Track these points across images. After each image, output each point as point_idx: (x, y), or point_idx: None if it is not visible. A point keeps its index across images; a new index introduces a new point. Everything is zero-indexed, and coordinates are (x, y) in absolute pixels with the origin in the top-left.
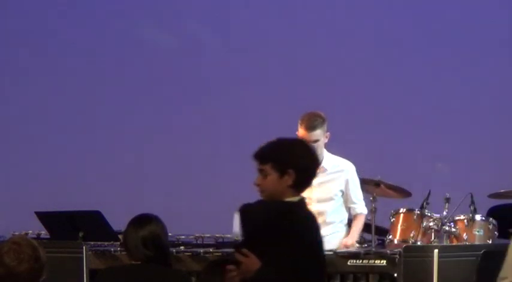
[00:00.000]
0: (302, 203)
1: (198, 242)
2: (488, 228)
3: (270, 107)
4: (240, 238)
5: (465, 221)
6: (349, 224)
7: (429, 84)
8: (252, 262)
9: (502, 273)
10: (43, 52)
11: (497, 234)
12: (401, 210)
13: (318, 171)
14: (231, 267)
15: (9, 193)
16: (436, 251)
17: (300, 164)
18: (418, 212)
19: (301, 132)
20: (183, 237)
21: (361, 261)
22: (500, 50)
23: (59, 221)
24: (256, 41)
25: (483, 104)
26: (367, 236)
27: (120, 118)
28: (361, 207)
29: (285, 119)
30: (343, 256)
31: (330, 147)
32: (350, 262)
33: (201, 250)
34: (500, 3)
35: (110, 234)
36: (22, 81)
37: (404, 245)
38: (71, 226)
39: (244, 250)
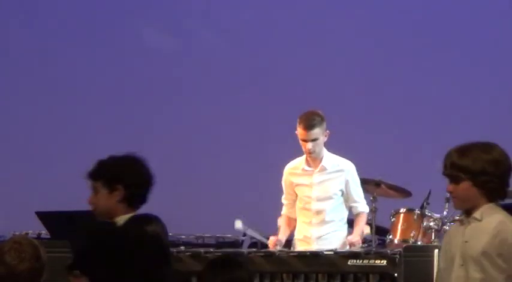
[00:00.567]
0: (133, 220)
1: (199, 241)
2: None
3: (270, 107)
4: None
5: None
6: (350, 223)
7: (430, 84)
8: None
9: None
10: (44, 53)
11: None
12: (402, 210)
13: (318, 170)
14: None
15: (10, 193)
16: (436, 251)
17: (130, 180)
18: (419, 212)
19: (299, 131)
20: (183, 237)
21: (361, 261)
22: (500, 50)
23: (60, 221)
24: (257, 42)
25: (484, 103)
26: (368, 236)
27: (121, 118)
28: (362, 206)
29: (285, 119)
30: (343, 256)
31: (330, 147)
32: (350, 262)
33: (202, 250)
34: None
35: None
36: (22, 80)
37: (405, 245)
38: (71, 226)
39: (76, 272)
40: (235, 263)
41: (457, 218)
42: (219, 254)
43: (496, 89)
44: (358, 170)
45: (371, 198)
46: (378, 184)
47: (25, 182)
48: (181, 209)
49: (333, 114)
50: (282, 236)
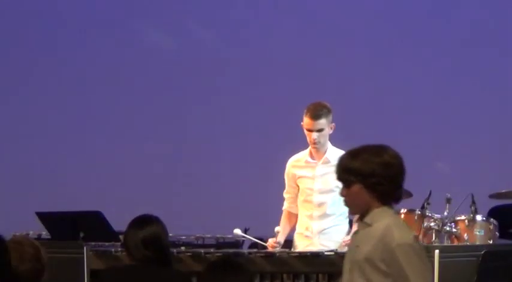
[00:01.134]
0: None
1: (199, 242)
2: (489, 228)
3: (270, 107)
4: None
5: (466, 221)
6: (350, 222)
7: (430, 84)
8: None
9: None
10: (44, 53)
11: (498, 234)
12: (402, 210)
13: (322, 162)
14: None
15: (10, 193)
16: (437, 251)
17: None
18: (419, 213)
19: (305, 121)
20: (183, 237)
21: None
22: (501, 51)
23: (60, 222)
24: (256, 41)
25: (484, 103)
26: None
27: (121, 119)
28: None
29: (285, 119)
30: (344, 256)
31: (333, 145)
32: None
33: (202, 250)
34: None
35: (110, 234)
36: (20, 80)
37: None
38: (71, 226)
39: None
40: (236, 265)
41: (458, 218)
42: (220, 254)
43: (496, 89)
44: None
45: None
46: None
47: (26, 182)
48: (182, 210)
49: (334, 113)
50: (281, 237)
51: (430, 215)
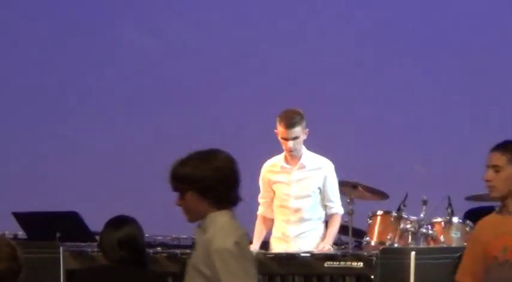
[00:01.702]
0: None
1: (175, 243)
2: (466, 230)
3: (252, 107)
4: None
5: (442, 223)
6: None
7: (406, 87)
8: None
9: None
10: (25, 54)
11: None
12: (379, 212)
13: (297, 167)
14: None
15: None
16: (413, 253)
17: None
18: (395, 214)
19: (280, 130)
20: (159, 238)
21: (338, 263)
22: (473, 53)
23: (36, 222)
24: (238, 41)
25: (460, 106)
26: (344, 238)
27: (101, 119)
28: (337, 207)
29: (264, 119)
30: (319, 258)
31: (308, 150)
32: (327, 264)
33: (178, 251)
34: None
35: (86, 235)
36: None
37: (382, 247)
38: (48, 227)
39: None
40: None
41: (435, 220)
42: None
43: (472, 92)
44: (335, 171)
45: (348, 200)
46: (355, 186)
47: (2, 182)
48: (158, 210)
49: (311, 116)
50: (256, 243)
51: (406, 217)
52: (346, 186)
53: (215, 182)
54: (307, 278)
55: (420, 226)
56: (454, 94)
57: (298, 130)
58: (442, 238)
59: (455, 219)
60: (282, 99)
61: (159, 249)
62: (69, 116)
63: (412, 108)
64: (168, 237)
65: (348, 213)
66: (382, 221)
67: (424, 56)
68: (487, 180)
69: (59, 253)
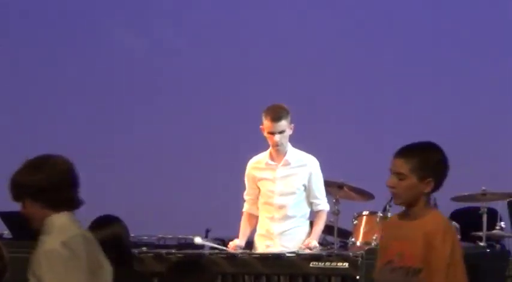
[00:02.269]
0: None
1: (161, 243)
2: None
3: (240, 108)
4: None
5: None
6: (310, 223)
7: (390, 86)
8: None
9: None
10: (14, 53)
11: (459, 237)
12: (364, 212)
13: (282, 164)
14: None
15: None
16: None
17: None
18: (381, 215)
19: (266, 124)
20: (145, 238)
21: (323, 263)
22: (458, 52)
23: (22, 221)
24: (226, 42)
25: (446, 106)
26: (330, 238)
27: (86, 118)
28: (323, 204)
29: (250, 120)
30: (305, 258)
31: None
32: (312, 264)
33: (164, 251)
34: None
35: None
36: None
37: (367, 248)
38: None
39: None
40: (197, 266)
41: None
42: (181, 255)
43: (457, 91)
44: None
45: (333, 200)
46: (340, 186)
47: None
48: (144, 210)
49: (295, 115)
50: (242, 240)
51: None
52: (331, 187)
53: (48, 186)
54: (293, 278)
55: None
56: (438, 93)
57: (284, 124)
58: None
59: None
60: (265, 98)
61: (144, 249)
62: (56, 115)
63: (398, 108)
64: (154, 237)
65: (334, 213)
66: (367, 222)
67: (415, 56)
68: (390, 187)
69: None
